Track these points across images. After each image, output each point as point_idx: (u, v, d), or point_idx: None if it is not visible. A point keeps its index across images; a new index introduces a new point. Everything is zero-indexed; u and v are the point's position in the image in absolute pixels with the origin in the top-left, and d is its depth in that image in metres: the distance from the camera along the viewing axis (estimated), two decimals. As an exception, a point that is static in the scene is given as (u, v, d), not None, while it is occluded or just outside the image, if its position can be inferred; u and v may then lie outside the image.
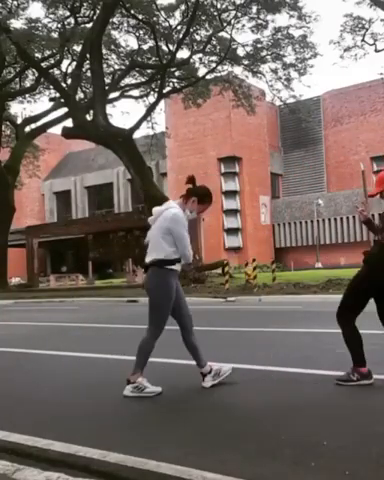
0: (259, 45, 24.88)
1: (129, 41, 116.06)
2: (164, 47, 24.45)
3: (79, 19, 24.20)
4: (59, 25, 23.79)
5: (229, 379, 4.10)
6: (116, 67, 27.19)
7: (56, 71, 27.17)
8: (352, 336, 4.03)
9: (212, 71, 25.66)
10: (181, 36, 23.07)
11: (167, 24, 24.21)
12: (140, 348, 3.91)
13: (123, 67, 26.67)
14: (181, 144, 40.90)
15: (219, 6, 23.22)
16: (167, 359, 4.93)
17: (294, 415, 3.31)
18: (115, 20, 24.24)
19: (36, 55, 25.39)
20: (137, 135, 25.33)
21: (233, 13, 23.43)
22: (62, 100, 25.48)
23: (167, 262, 3.91)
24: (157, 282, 3.93)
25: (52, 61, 26.42)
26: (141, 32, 25.03)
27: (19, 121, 30.24)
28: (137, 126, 23.41)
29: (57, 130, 26.49)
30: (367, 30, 23.36)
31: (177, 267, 4.02)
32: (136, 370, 3.87)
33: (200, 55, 25.57)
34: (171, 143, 37.18)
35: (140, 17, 23.30)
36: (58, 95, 26.22)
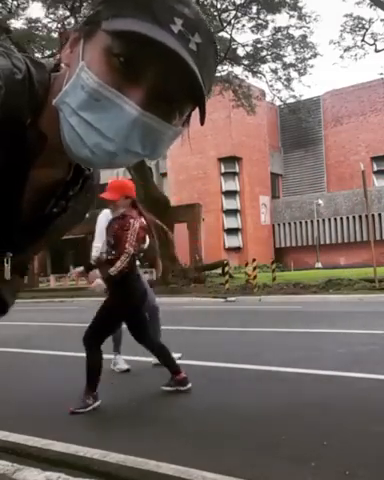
0: (259, 45, 24.88)
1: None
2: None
3: (79, 19, 24.20)
4: (59, 25, 23.80)
5: (229, 379, 4.10)
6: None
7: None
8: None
9: (212, 71, 25.62)
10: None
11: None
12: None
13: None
14: (181, 144, 40.78)
15: (219, 6, 23.21)
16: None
17: (294, 415, 3.31)
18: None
19: (36, 55, 25.39)
20: (137, 135, 25.28)
21: (233, 13, 23.43)
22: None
23: None
24: None
25: (52, 61, 26.42)
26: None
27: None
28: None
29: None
30: (367, 30, 23.37)
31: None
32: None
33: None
34: (171, 143, 37.07)
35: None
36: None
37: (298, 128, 42.43)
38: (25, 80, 0.67)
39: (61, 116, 0.64)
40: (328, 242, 39.51)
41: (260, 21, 23.77)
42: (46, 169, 0.73)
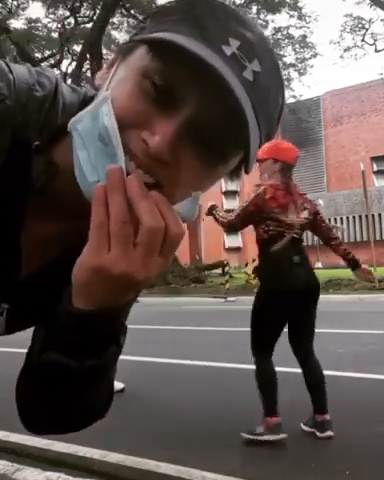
0: (259, 45, 24.91)
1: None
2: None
3: (79, 19, 24.21)
4: (59, 25, 23.83)
5: (229, 379, 4.10)
6: (116, 67, 27.22)
7: (56, 71, 27.20)
8: None
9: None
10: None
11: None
12: None
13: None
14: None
15: (219, 6, 23.22)
16: (166, 359, 4.93)
17: (294, 415, 3.31)
18: (115, 20, 24.27)
19: (36, 55, 25.40)
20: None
21: (233, 13, 23.44)
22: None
23: None
24: None
25: (52, 61, 26.44)
26: (141, 32, 25.04)
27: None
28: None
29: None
30: (367, 30, 23.42)
31: None
32: None
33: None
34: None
35: (140, 17, 23.30)
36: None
37: (298, 128, 42.40)
38: (46, 98, 0.57)
39: (72, 143, 0.53)
40: (328, 242, 39.51)
41: (260, 21, 23.78)
42: (58, 210, 0.60)
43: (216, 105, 0.49)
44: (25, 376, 0.68)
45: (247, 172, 0.56)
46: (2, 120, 0.54)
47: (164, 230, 0.47)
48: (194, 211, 0.55)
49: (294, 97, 26.94)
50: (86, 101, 0.59)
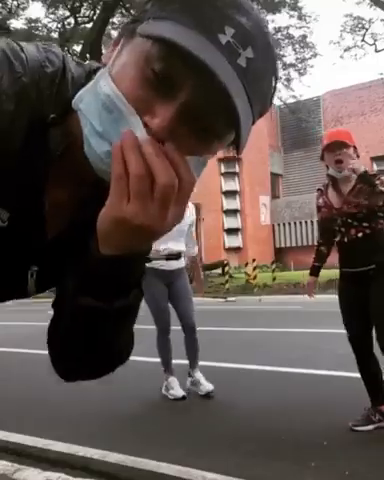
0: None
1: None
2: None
3: (79, 19, 24.21)
4: (59, 25, 23.83)
5: (229, 379, 4.10)
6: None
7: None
8: None
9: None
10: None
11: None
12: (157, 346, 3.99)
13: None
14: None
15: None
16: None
17: (294, 415, 3.31)
18: (115, 20, 24.27)
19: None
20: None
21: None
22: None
23: None
24: None
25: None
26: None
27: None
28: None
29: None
30: (367, 30, 23.42)
31: (153, 264, 3.80)
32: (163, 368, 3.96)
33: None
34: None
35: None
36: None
37: (298, 128, 42.39)
38: (56, 74, 0.63)
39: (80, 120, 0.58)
40: (328, 242, 39.53)
41: (260, 21, 23.77)
42: (76, 177, 0.66)
43: (208, 92, 0.54)
44: (56, 328, 0.75)
45: (239, 152, 0.61)
46: (20, 96, 0.59)
47: (177, 184, 0.53)
48: (199, 172, 0.60)
49: (294, 97, 26.96)
50: (91, 73, 0.65)
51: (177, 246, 3.90)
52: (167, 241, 3.78)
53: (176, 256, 3.93)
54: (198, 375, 3.93)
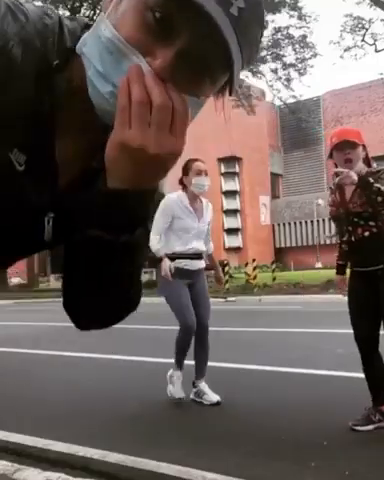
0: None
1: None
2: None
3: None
4: (59, 25, 23.86)
5: (229, 379, 4.10)
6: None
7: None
8: None
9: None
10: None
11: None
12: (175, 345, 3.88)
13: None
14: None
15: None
16: (166, 359, 4.93)
17: (294, 415, 3.31)
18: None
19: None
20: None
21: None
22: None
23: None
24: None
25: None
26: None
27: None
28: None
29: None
30: (367, 30, 23.42)
31: (178, 263, 3.81)
32: (176, 367, 3.86)
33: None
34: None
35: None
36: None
37: (298, 128, 42.37)
38: (55, 26, 0.68)
39: (84, 63, 0.63)
40: (328, 242, 39.50)
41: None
42: (80, 124, 0.69)
43: (206, 36, 0.58)
44: (68, 271, 0.76)
45: (231, 93, 0.65)
46: (26, 43, 0.64)
47: (171, 109, 0.58)
48: (195, 113, 0.65)
49: (294, 97, 26.89)
50: (84, 28, 0.70)
51: (201, 246, 3.94)
52: (191, 240, 3.85)
53: (199, 256, 3.96)
54: (202, 385, 3.83)
